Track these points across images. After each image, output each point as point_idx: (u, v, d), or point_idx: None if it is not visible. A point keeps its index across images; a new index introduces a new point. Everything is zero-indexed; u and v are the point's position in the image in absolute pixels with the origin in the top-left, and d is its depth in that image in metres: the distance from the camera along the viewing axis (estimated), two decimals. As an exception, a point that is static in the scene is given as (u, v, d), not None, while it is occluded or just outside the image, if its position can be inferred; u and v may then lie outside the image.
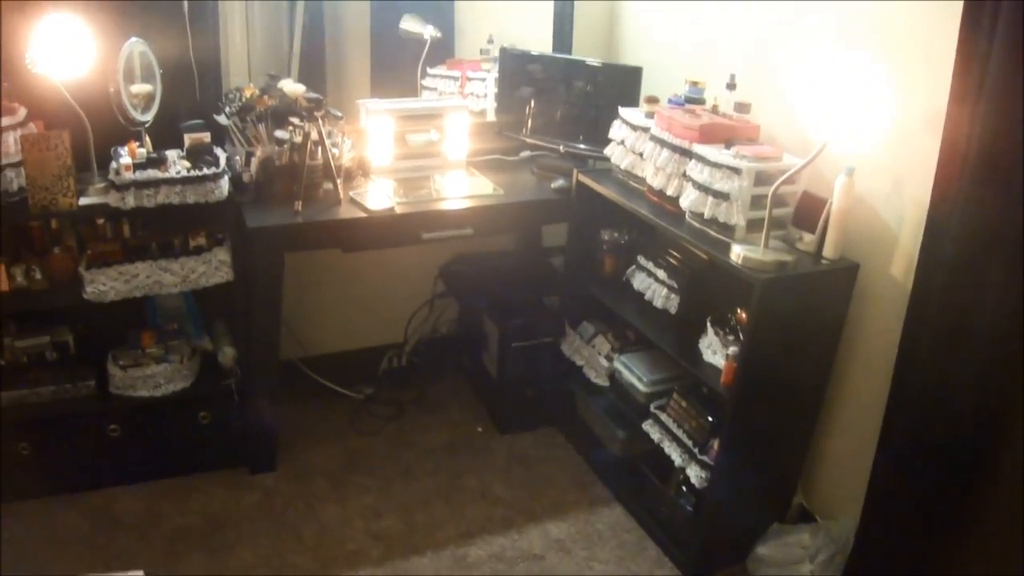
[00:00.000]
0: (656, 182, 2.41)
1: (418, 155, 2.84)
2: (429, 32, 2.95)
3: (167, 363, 2.61)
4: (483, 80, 3.02)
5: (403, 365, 3.33)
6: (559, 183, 2.72)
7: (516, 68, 2.94)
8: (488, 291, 3.05)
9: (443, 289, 3.24)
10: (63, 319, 2.70)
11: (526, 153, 2.99)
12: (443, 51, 3.04)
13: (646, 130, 2.48)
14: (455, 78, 3.01)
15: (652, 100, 2.58)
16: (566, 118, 2.91)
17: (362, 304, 3.23)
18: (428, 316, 3.32)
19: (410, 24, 2.94)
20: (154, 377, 2.60)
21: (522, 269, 3.16)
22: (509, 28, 3.10)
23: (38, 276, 2.46)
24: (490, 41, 3.08)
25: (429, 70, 3.00)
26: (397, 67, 2.99)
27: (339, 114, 2.57)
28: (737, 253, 2.10)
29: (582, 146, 2.86)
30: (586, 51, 3.08)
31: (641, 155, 2.50)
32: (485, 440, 3.01)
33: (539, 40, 3.06)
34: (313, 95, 2.52)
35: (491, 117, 3.04)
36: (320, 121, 2.51)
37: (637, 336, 2.70)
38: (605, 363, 2.70)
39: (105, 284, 2.44)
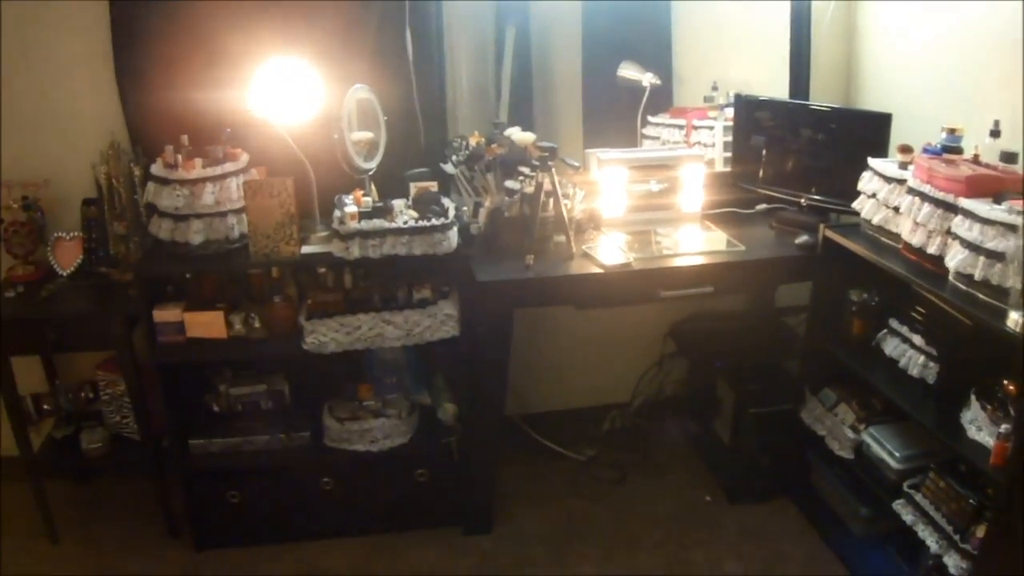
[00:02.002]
0: (915, 239, 2.56)
1: (650, 207, 3.22)
2: (648, 79, 3.33)
3: (385, 417, 3.05)
4: (710, 128, 3.38)
5: (627, 426, 3.73)
6: (803, 239, 3.03)
7: (748, 115, 3.28)
8: (722, 353, 3.38)
9: (673, 349, 3.59)
10: (279, 367, 3.20)
11: (762, 206, 3.32)
12: (660, 99, 3.39)
13: (902, 182, 2.63)
14: (680, 127, 3.38)
15: (906, 149, 2.73)
16: (800, 168, 3.20)
17: (586, 361, 3.66)
18: (656, 376, 3.70)
19: (629, 71, 3.34)
20: (371, 431, 3.03)
21: (757, 330, 3.49)
22: (733, 74, 3.43)
23: (257, 325, 2.93)
24: (715, 88, 3.43)
25: (650, 118, 3.38)
26: (611, 116, 3.36)
27: (576, 164, 2.98)
28: (1016, 320, 2.20)
29: (823, 198, 3.16)
30: (822, 95, 3.38)
31: (896, 209, 2.68)
32: (713, 510, 3.31)
33: (766, 84, 3.37)
34: (547, 144, 2.93)
35: (720, 167, 3.40)
36: (553, 171, 2.92)
37: (885, 406, 2.88)
38: (850, 434, 2.92)
39: (325, 335, 2.89)
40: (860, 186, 2.86)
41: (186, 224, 2.78)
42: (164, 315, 2.85)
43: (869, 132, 2.98)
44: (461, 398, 3.10)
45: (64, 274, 3.08)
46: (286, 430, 3.09)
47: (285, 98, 2.74)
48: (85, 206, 3.06)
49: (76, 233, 3.09)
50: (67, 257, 3.10)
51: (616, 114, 3.38)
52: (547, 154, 2.89)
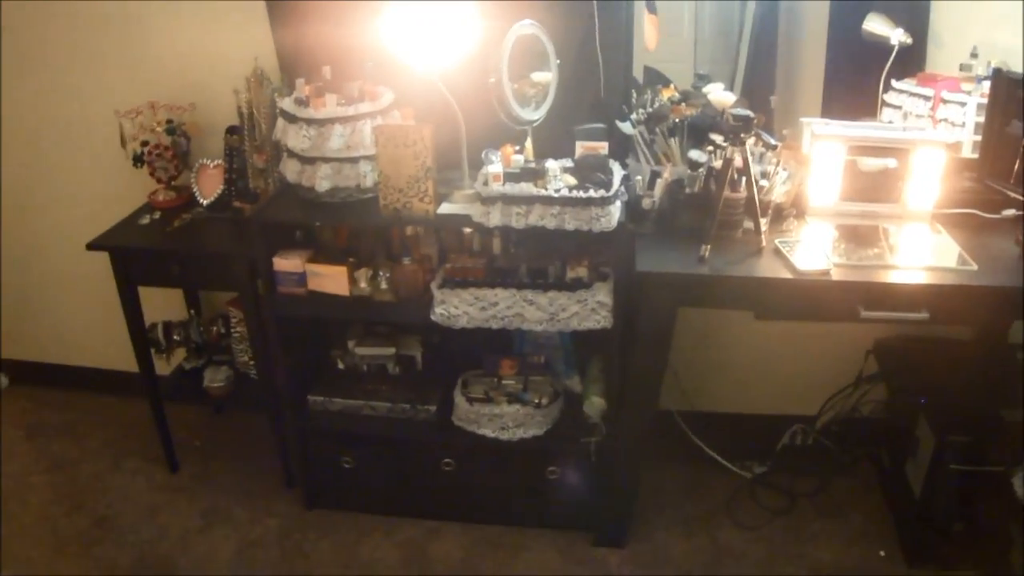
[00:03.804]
0: None
1: (870, 197, 2.55)
2: (898, 37, 2.64)
3: (521, 403, 2.61)
4: (962, 105, 2.65)
5: (808, 444, 3.12)
6: (1057, 267, 2.32)
7: (1008, 95, 2.55)
8: (930, 385, 2.70)
9: (874, 371, 2.95)
10: (416, 328, 2.82)
11: (1010, 212, 2.59)
12: (913, 61, 2.70)
13: None
14: (926, 97, 2.68)
15: None
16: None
17: (768, 363, 3.07)
18: (850, 394, 3.05)
19: (875, 25, 2.66)
20: (502, 417, 2.61)
21: (979, 366, 2.75)
22: (1000, 40, 2.69)
23: (383, 286, 2.53)
24: (974, 55, 2.69)
25: (895, 83, 2.71)
26: (856, 78, 2.72)
27: (774, 142, 2.37)
28: None
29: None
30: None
31: None
32: (887, 570, 2.71)
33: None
34: (742, 112, 2.33)
35: (967, 152, 2.68)
36: (747, 145, 2.34)
37: None
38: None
39: (457, 308, 2.47)
40: None
41: (313, 167, 2.39)
42: (284, 264, 2.51)
43: None
44: (612, 394, 2.61)
45: (204, 203, 2.83)
46: (411, 400, 2.73)
47: (429, 34, 2.27)
48: (228, 134, 2.76)
49: (219, 161, 2.82)
50: (209, 186, 2.84)
51: (861, 76, 2.75)
52: (741, 124, 2.30)
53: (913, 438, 2.75)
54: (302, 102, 2.37)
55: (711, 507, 2.92)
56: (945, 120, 2.67)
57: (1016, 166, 2.53)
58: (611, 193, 2.30)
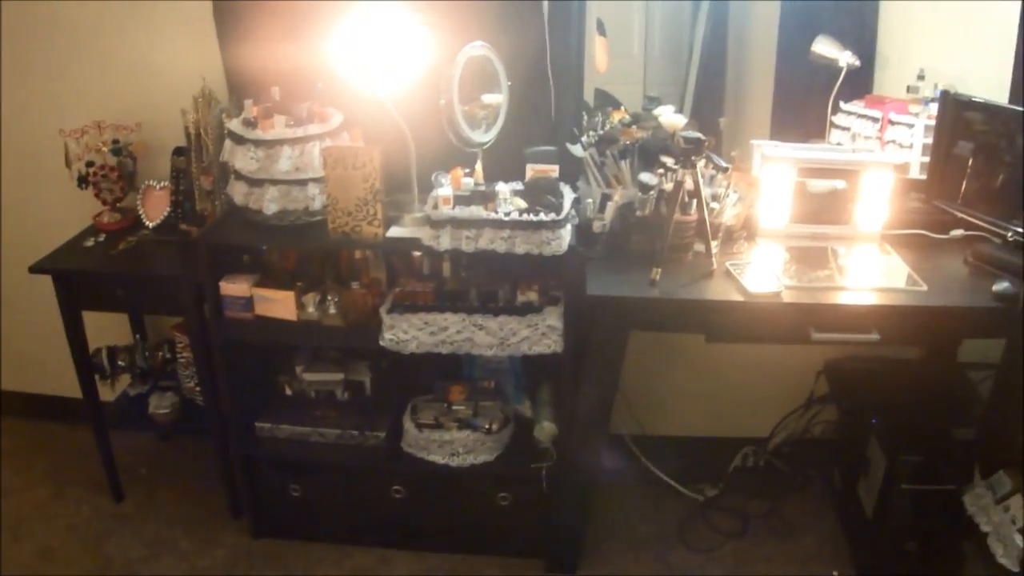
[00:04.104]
0: None
1: (820, 219, 2.55)
2: (846, 59, 2.65)
3: (471, 429, 2.57)
4: (910, 127, 2.67)
5: (760, 465, 3.10)
6: (1003, 287, 2.30)
7: (955, 117, 2.57)
8: (880, 405, 2.70)
9: (825, 391, 2.95)
10: (365, 353, 2.77)
11: (958, 232, 2.60)
12: (860, 83, 2.72)
13: None
14: (874, 119, 2.70)
15: None
16: (1013, 192, 2.49)
17: (720, 386, 3.04)
18: (801, 415, 3.05)
19: (823, 47, 2.67)
20: (452, 444, 2.57)
21: (929, 385, 2.76)
22: (948, 62, 2.71)
23: (331, 310, 2.48)
24: (920, 77, 2.71)
25: (843, 105, 2.73)
26: (804, 99, 2.73)
27: (724, 164, 2.37)
28: None
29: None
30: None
31: None
32: (841, 591, 2.68)
33: (983, 82, 2.61)
34: (693, 134, 2.32)
35: (915, 174, 2.69)
36: (698, 168, 2.34)
37: None
38: (1021, 542, 2.27)
39: (407, 333, 2.42)
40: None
41: (260, 190, 2.34)
42: (231, 288, 2.45)
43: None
44: (562, 419, 2.58)
45: (150, 226, 2.76)
46: (360, 426, 2.67)
47: (379, 56, 2.23)
48: (175, 155, 2.70)
49: (166, 183, 2.75)
50: (155, 208, 2.77)
51: (809, 99, 2.76)
52: (691, 147, 2.29)
53: (864, 458, 2.74)
54: (250, 123, 2.32)
55: (663, 530, 2.89)
56: (893, 142, 2.68)
57: (963, 187, 2.55)
58: (562, 216, 2.27)
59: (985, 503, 2.43)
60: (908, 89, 2.73)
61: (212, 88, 2.57)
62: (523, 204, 2.32)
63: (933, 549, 2.62)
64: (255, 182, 2.34)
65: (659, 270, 2.28)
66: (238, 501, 2.87)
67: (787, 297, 2.24)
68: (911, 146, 2.67)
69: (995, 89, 2.60)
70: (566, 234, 2.30)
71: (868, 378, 2.83)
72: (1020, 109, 2.46)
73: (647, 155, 2.46)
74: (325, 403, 2.74)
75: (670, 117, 2.48)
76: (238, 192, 2.38)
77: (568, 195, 2.38)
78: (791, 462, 3.07)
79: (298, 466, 2.70)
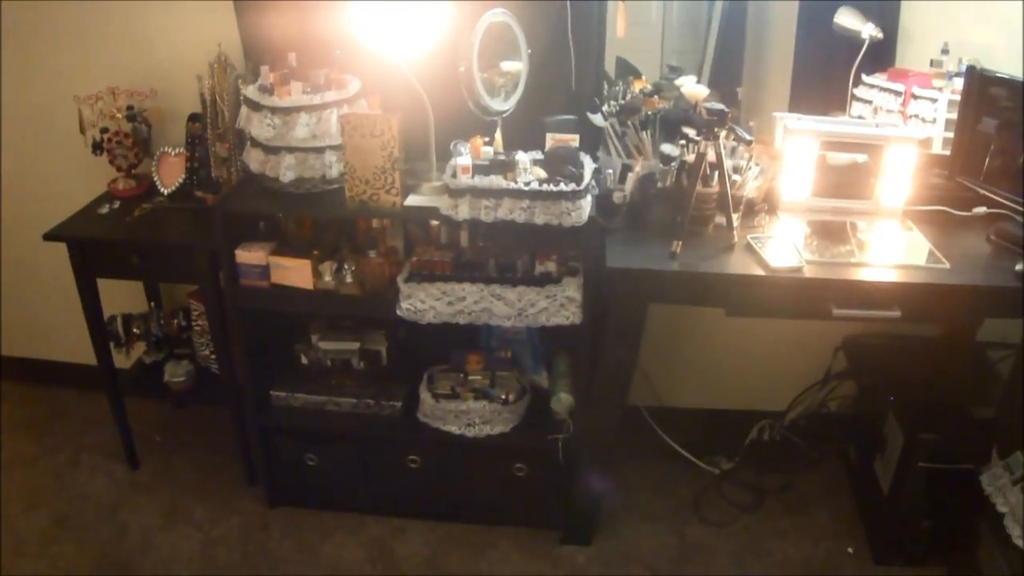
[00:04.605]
0: None
1: (842, 193, 2.51)
2: (868, 31, 2.60)
3: (488, 399, 2.55)
4: (933, 101, 2.62)
5: (776, 439, 3.07)
6: (1025, 267, 2.28)
7: (981, 93, 2.51)
8: (899, 382, 2.67)
9: (844, 367, 2.91)
10: (381, 322, 2.73)
11: (981, 209, 2.55)
12: (882, 56, 2.66)
13: None
14: (897, 92, 2.65)
15: None
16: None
17: (737, 359, 3.02)
18: (819, 390, 3.02)
19: (846, 19, 2.61)
20: (469, 414, 2.55)
21: (948, 363, 2.72)
22: (971, 36, 2.66)
23: (348, 279, 2.45)
24: (945, 51, 2.65)
25: (865, 78, 2.67)
26: (824, 72, 2.67)
27: (748, 137, 2.32)
28: None
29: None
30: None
31: None
32: (854, 567, 2.67)
33: (1010, 57, 2.56)
34: (716, 105, 2.27)
35: (937, 148, 2.65)
36: (721, 140, 2.29)
37: None
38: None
39: (424, 302, 2.39)
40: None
41: (277, 157, 2.30)
42: (247, 256, 2.42)
43: None
44: (580, 390, 2.55)
45: (165, 193, 2.74)
46: (376, 396, 2.65)
47: (398, 22, 2.18)
48: (190, 122, 2.66)
49: (181, 150, 2.71)
50: (170, 175, 2.74)
51: (830, 71, 2.70)
52: (715, 118, 2.24)
53: (881, 435, 2.71)
54: (266, 90, 2.28)
55: (678, 503, 2.87)
56: (916, 116, 2.63)
57: (986, 164, 2.50)
58: (582, 187, 2.23)
59: (1002, 483, 2.38)
60: (932, 63, 2.67)
61: (228, 54, 2.52)
62: (543, 174, 2.29)
63: (948, 528, 2.60)
64: (271, 149, 2.30)
65: (679, 243, 2.24)
66: (253, 470, 2.86)
67: (809, 272, 2.20)
68: (934, 121, 2.62)
69: (1021, 64, 2.53)
70: (586, 205, 2.26)
71: (887, 355, 2.80)
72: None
73: (668, 126, 2.41)
74: (341, 372, 2.72)
75: (692, 88, 2.44)
76: (254, 159, 2.35)
77: (588, 165, 2.34)
78: (807, 437, 3.05)
79: (314, 435, 2.69)
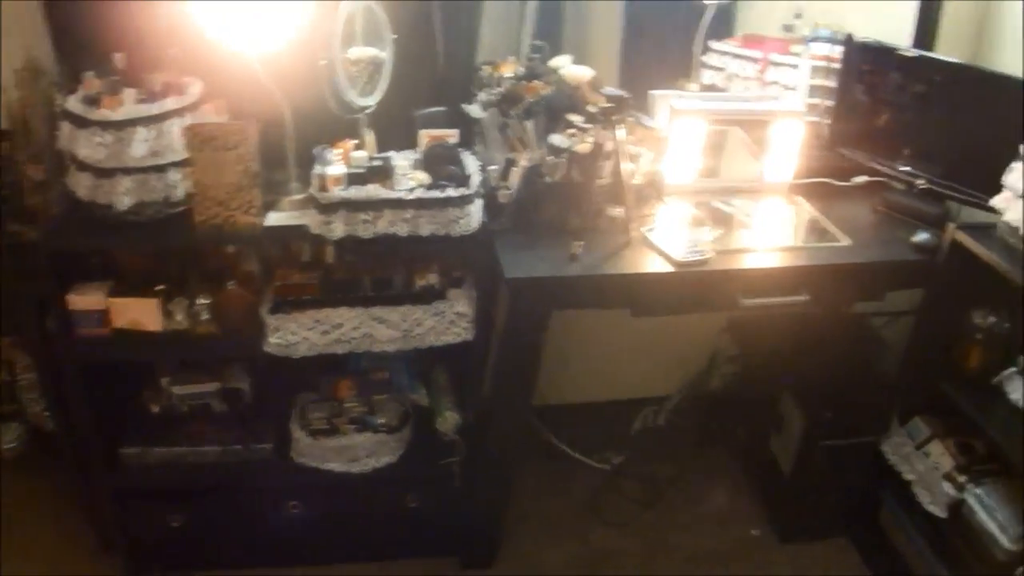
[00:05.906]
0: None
1: (726, 172, 2.42)
2: (716, -5, 2.48)
3: (371, 430, 2.30)
4: (794, 67, 2.55)
5: (661, 424, 3.00)
6: (923, 237, 2.24)
7: (860, 63, 2.46)
8: (788, 359, 2.62)
9: (732, 350, 2.85)
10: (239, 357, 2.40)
11: (861, 178, 2.52)
12: (718, 23, 2.56)
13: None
14: (753, 59, 2.56)
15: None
16: (919, 139, 2.40)
17: (618, 346, 2.87)
18: (705, 373, 2.96)
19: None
20: (352, 449, 2.29)
21: (833, 335, 2.69)
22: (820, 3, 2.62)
23: (204, 316, 2.12)
24: (798, 15, 2.61)
25: (714, 45, 2.56)
26: (659, 41, 2.55)
27: (652, 123, 2.16)
28: None
29: (945, 183, 2.34)
30: (952, 49, 2.53)
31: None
32: (762, 549, 2.65)
33: (866, 24, 2.51)
34: (614, 91, 2.11)
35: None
36: (617, 130, 2.11)
37: (990, 451, 2.22)
38: (949, 490, 2.22)
39: (296, 334, 2.12)
40: (1006, 180, 2.05)
41: (111, 181, 1.91)
42: (81, 301, 2.02)
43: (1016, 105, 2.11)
44: (467, 405, 2.34)
45: (-33, 228, 2.26)
46: (243, 439, 2.33)
47: (245, 10, 1.87)
48: (-4, 140, 2.20)
49: (-15, 174, 2.25)
50: (-27, 205, 2.27)
51: (665, 38, 2.57)
52: (613, 106, 2.06)
53: (776, 413, 2.66)
54: (92, 100, 1.89)
55: (576, 507, 2.74)
56: (776, 83, 2.56)
57: (865, 133, 2.48)
58: (472, 191, 2.01)
59: (907, 452, 2.39)
60: (784, 28, 2.61)
61: (38, 58, 2.07)
62: (425, 177, 2.03)
63: (851, 499, 2.60)
64: (104, 172, 1.91)
65: (581, 243, 2.06)
66: (106, 533, 2.46)
67: (715, 264, 2.08)
68: (795, 88, 2.55)
69: (879, 29, 2.51)
70: (476, 210, 2.05)
71: (771, 332, 2.72)
72: (920, 53, 2.39)
73: (553, 114, 2.19)
74: (200, 417, 2.37)
75: (573, 69, 2.22)
76: (82, 185, 1.95)
77: (472, 164, 2.12)
78: (692, 419, 2.99)
79: (175, 493, 2.33)
